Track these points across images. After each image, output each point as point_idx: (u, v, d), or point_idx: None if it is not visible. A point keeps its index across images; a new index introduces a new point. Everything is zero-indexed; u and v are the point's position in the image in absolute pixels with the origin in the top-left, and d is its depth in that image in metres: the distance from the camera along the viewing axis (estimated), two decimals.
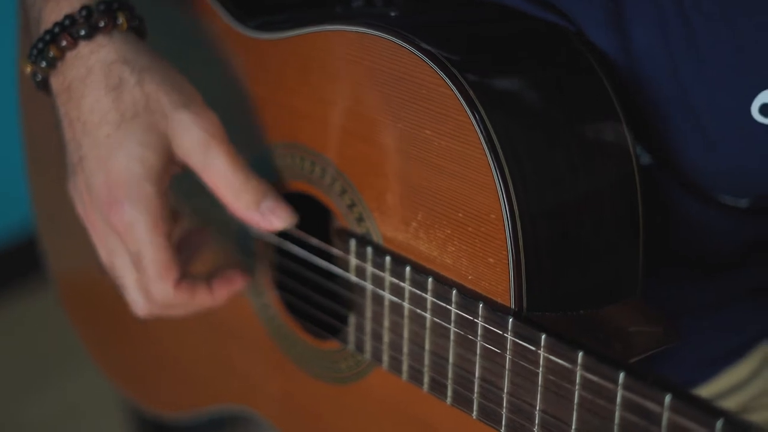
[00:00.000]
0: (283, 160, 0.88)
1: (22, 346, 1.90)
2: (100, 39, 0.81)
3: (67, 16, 0.80)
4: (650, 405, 0.63)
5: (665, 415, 0.63)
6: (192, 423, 1.11)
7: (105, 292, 1.13)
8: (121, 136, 0.79)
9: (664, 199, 0.86)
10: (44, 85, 0.84)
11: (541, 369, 0.70)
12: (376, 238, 0.81)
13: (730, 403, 0.94)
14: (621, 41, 0.78)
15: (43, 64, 0.82)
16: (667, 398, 0.63)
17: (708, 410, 0.61)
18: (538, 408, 0.71)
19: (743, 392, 0.94)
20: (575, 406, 0.69)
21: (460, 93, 0.73)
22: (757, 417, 0.94)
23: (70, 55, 0.81)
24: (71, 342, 1.25)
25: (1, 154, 1.87)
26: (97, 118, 0.80)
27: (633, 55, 0.78)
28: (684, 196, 0.85)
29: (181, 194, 0.92)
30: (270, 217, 0.83)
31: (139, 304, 0.84)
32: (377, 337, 0.82)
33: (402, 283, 0.79)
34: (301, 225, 0.90)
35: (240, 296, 0.96)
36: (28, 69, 0.84)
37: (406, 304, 0.79)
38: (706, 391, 0.93)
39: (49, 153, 1.17)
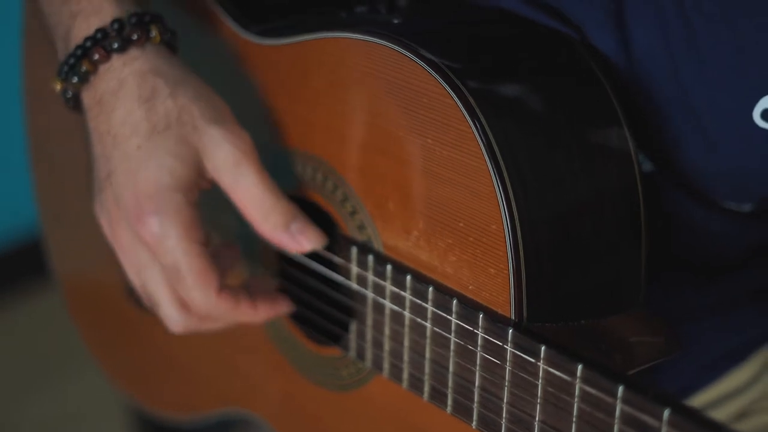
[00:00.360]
0: (285, 166, 0.88)
1: (23, 347, 1.90)
2: (133, 52, 0.80)
3: (98, 30, 0.79)
4: (649, 419, 0.63)
5: (663, 430, 0.62)
6: (195, 426, 1.11)
7: (109, 293, 1.13)
8: (152, 147, 0.78)
9: (666, 204, 0.85)
10: (75, 102, 0.82)
11: (540, 381, 0.70)
12: (378, 246, 0.81)
13: (731, 407, 0.93)
14: (622, 42, 0.78)
15: (75, 79, 0.80)
16: (666, 413, 0.62)
17: (706, 425, 0.61)
18: (537, 419, 0.71)
19: (744, 396, 0.94)
20: (574, 419, 0.68)
21: (461, 102, 0.73)
22: (757, 421, 0.94)
23: (102, 68, 0.80)
24: (73, 344, 1.25)
25: (5, 156, 1.87)
26: (128, 130, 0.78)
27: (634, 56, 0.78)
28: (686, 201, 0.85)
29: None
30: (299, 239, 0.80)
31: (174, 319, 0.81)
32: (378, 344, 0.82)
33: (403, 292, 0.79)
34: None
35: None
36: (58, 86, 0.82)
37: (406, 313, 0.79)
38: (707, 395, 0.93)
39: (56, 153, 1.17)
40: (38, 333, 1.86)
